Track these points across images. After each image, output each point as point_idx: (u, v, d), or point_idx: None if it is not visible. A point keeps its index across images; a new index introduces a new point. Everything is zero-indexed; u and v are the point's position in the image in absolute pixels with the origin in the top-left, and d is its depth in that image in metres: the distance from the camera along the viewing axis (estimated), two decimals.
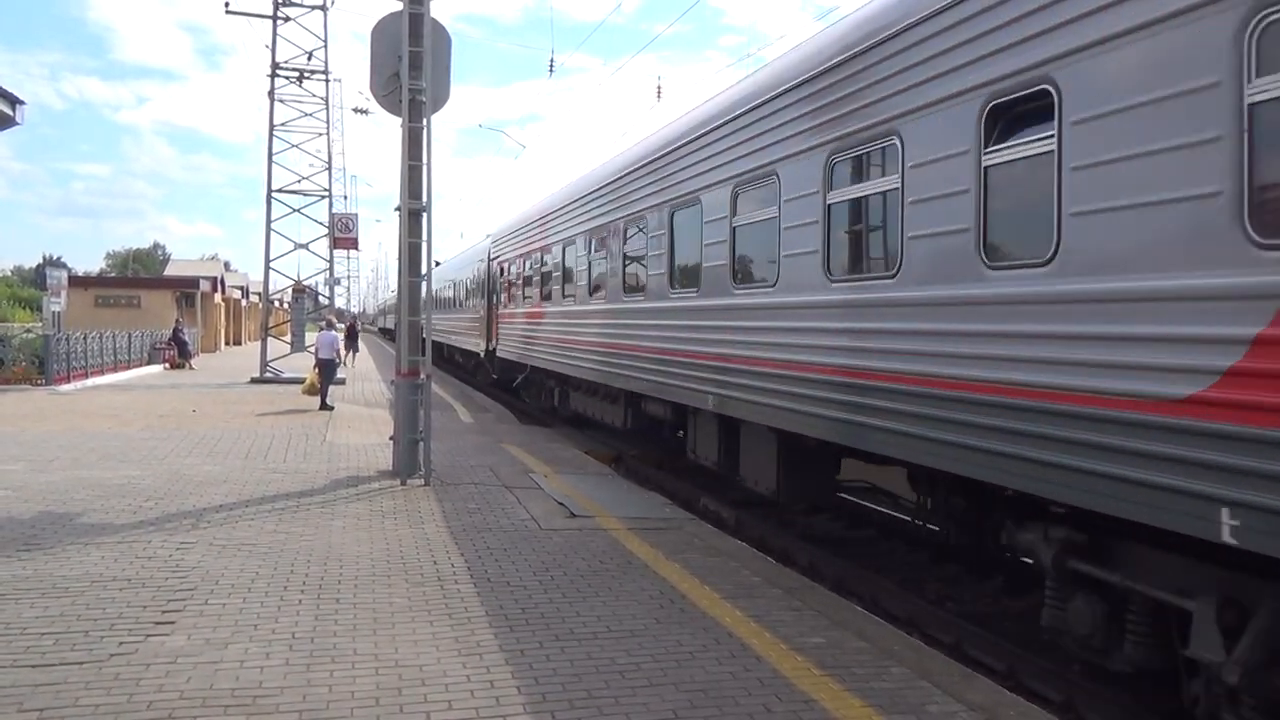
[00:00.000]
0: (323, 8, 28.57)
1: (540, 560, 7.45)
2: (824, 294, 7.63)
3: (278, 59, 28.44)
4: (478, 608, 6.17)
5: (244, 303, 61.68)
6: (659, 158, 11.50)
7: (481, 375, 28.50)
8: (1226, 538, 4.17)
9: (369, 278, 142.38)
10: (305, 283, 31.68)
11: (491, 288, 23.83)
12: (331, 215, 28.95)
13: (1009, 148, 5.58)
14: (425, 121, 11.22)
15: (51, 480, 10.33)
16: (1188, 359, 4.33)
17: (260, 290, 32.13)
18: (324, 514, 8.98)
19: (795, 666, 5.24)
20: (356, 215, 31.58)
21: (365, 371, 33.28)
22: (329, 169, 29.77)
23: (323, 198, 29.32)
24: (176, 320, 36.76)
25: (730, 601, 6.46)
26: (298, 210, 29.06)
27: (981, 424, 5.71)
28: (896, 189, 6.63)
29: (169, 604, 6.04)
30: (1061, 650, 6.00)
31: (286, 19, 28.33)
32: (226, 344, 54.02)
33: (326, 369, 19.20)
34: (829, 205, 7.58)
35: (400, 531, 8.35)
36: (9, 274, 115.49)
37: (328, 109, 29.60)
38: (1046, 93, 5.22)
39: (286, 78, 28.69)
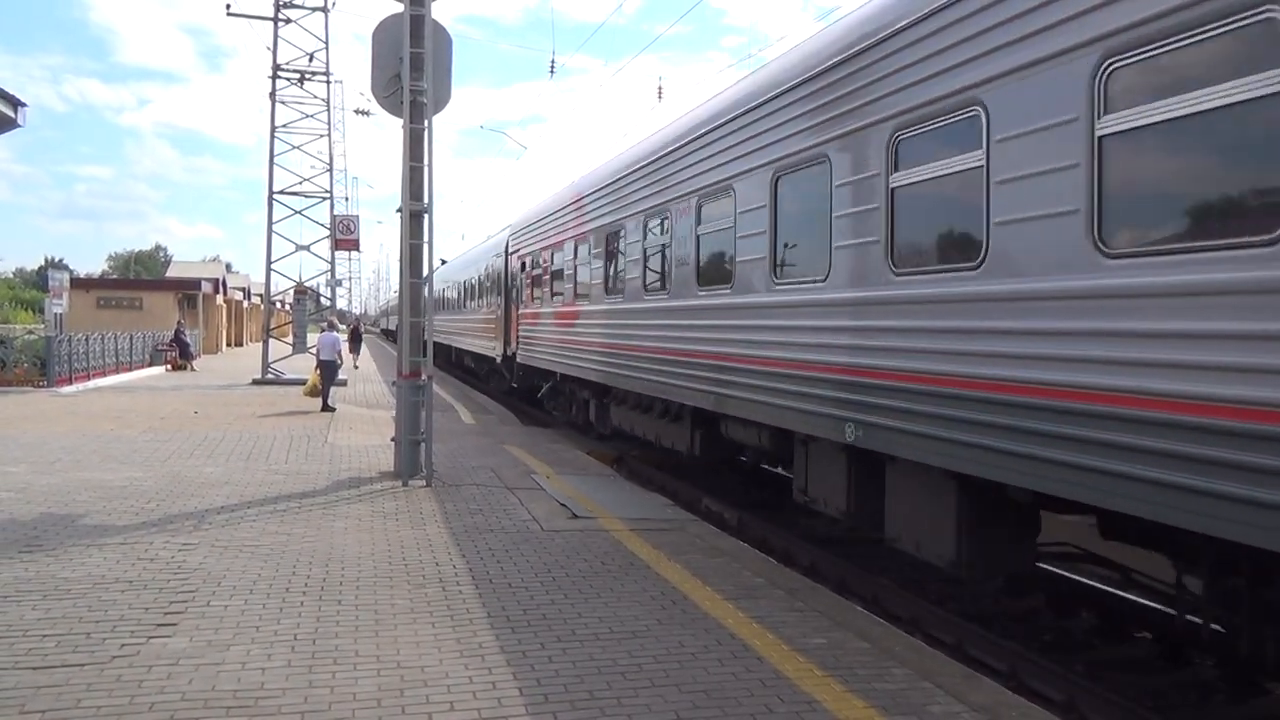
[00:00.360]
0: (324, 9, 28.60)
1: (542, 561, 7.45)
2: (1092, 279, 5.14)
3: (279, 61, 28.47)
4: (479, 609, 6.17)
5: (245, 304, 61.74)
6: (758, 105, 8.70)
7: (496, 382, 26.32)
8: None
9: (370, 279, 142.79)
10: (307, 284, 31.70)
11: (510, 285, 21.46)
12: (333, 217, 28.94)
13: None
14: (426, 123, 11.23)
15: (53, 482, 10.34)
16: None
17: (262, 292, 32.16)
18: (326, 515, 8.99)
19: (797, 667, 5.24)
20: (358, 217, 31.56)
21: (367, 373, 33.30)
22: (330, 170, 29.82)
23: (324, 199, 29.36)
24: (178, 322, 36.80)
25: (732, 602, 6.45)
26: (299, 212, 29.10)
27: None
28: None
29: (171, 606, 6.05)
30: (1063, 650, 5.99)
31: (288, 21, 28.38)
32: (228, 345, 54.07)
33: (328, 370, 19.21)
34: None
35: (402, 533, 8.35)
36: (11, 276, 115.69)
37: (329, 110, 29.65)
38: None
39: (288, 79, 28.74)
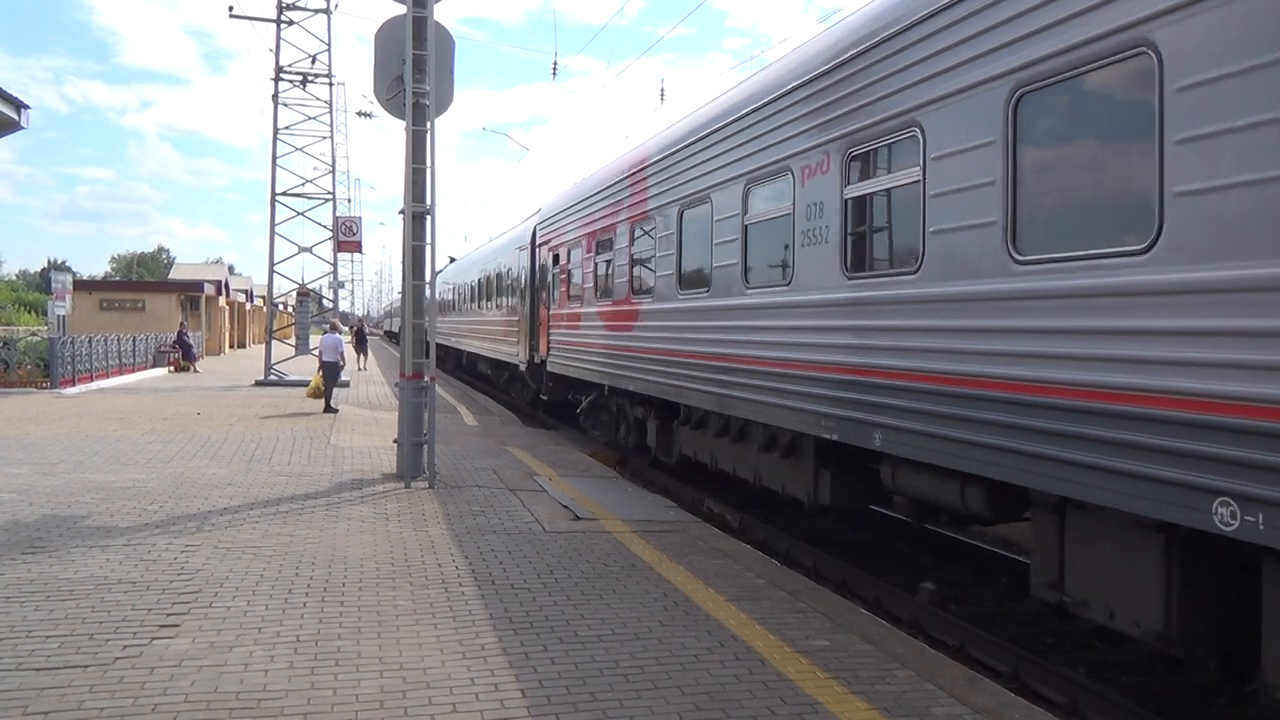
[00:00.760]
0: (326, 11, 28.65)
1: (544, 563, 7.45)
2: None
3: (281, 63, 28.52)
4: (481, 610, 6.17)
5: (248, 306, 61.83)
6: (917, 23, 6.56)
7: (518, 392, 23.13)
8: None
9: (373, 281, 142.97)
10: (309, 286, 31.75)
11: (537, 282, 18.74)
12: (335, 218, 28.99)
13: None
14: (429, 125, 11.24)
15: (56, 483, 10.35)
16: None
17: (264, 293, 32.19)
18: (328, 517, 8.99)
19: (800, 669, 5.23)
20: (360, 218, 31.61)
21: (369, 374, 33.31)
22: (333, 172, 29.85)
23: (326, 201, 29.39)
24: (181, 323, 36.83)
25: (735, 604, 6.45)
26: (302, 214, 29.14)
27: None
28: None
29: (174, 607, 6.05)
30: (1066, 652, 5.99)
31: (290, 23, 28.42)
32: (230, 347, 54.12)
33: (330, 372, 19.23)
34: None
35: (404, 534, 8.35)
36: (14, 278, 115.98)
37: (331, 112, 29.71)
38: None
39: (290, 81, 28.78)
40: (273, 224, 28.24)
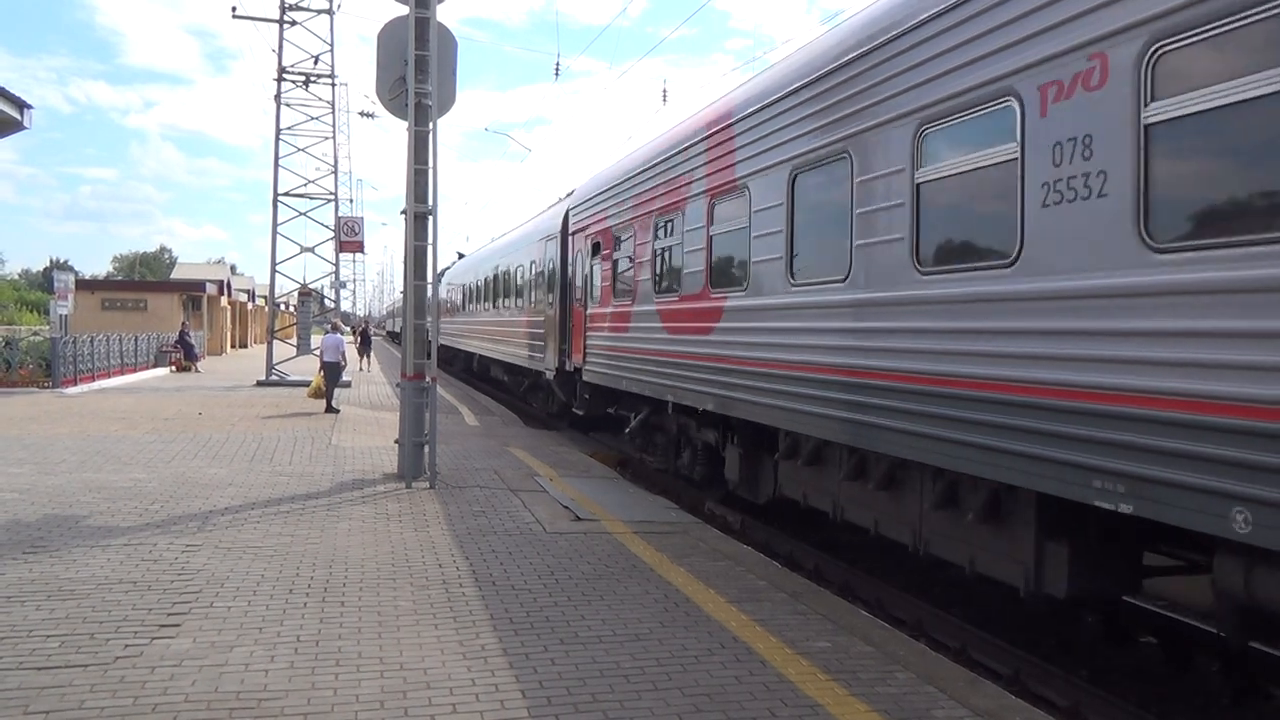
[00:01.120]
0: (329, 12, 28.70)
1: (545, 563, 7.45)
2: None
3: (284, 63, 28.54)
4: (482, 611, 6.17)
5: (250, 306, 61.87)
6: None
7: (541, 403, 20.52)
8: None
9: (375, 281, 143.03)
10: (311, 286, 31.77)
11: (571, 277, 16.11)
12: (337, 219, 29.01)
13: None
14: (431, 125, 11.25)
15: (58, 483, 10.36)
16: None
17: (266, 294, 32.21)
18: (329, 517, 8.99)
19: (801, 671, 5.23)
20: (362, 219, 31.66)
21: (371, 374, 33.32)
22: (335, 173, 29.87)
23: (329, 201, 29.42)
24: (183, 323, 36.87)
25: (735, 605, 6.45)
26: (304, 214, 29.18)
27: None
28: None
29: (175, 607, 6.05)
30: (1067, 655, 5.98)
31: (293, 23, 28.46)
32: (232, 347, 54.15)
33: (331, 372, 19.24)
34: None
35: (405, 535, 8.35)
36: (16, 277, 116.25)
37: (334, 113, 29.72)
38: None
39: (293, 82, 28.81)
40: (275, 224, 28.28)
